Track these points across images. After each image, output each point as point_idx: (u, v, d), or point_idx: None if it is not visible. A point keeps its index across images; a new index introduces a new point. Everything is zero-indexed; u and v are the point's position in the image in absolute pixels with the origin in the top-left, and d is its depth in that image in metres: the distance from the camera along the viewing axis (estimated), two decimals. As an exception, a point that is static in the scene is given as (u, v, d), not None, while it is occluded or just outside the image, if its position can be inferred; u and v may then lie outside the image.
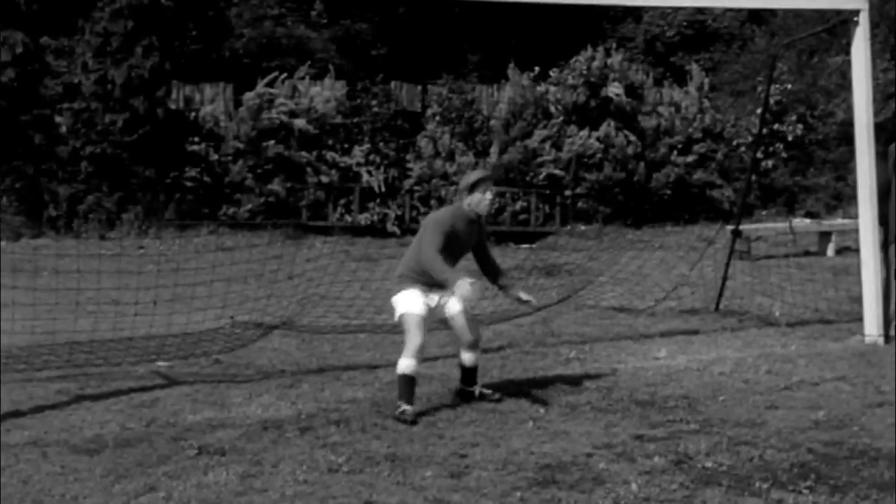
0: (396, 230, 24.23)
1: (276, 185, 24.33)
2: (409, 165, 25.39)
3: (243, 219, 23.62)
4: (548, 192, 25.35)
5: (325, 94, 25.93)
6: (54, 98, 25.05)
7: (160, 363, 10.84)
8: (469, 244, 9.21)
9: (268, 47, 32.20)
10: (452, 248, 8.95)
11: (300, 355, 11.41)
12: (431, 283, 8.88)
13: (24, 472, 7.23)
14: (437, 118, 25.92)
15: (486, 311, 13.50)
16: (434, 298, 9.01)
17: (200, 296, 12.83)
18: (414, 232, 23.53)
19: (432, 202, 24.70)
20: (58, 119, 24.58)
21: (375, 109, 26.00)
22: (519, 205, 25.17)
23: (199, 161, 24.64)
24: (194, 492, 6.80)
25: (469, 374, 9.32)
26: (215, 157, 24.85)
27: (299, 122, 25.02)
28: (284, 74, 26.31)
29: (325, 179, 24.79)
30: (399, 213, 24.70)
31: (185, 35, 28.99)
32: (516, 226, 24.95)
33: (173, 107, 25.58)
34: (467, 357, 9.22)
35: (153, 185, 23.86)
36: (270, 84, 25.81)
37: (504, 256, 19.77)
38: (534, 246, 23.21)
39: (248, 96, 25.47)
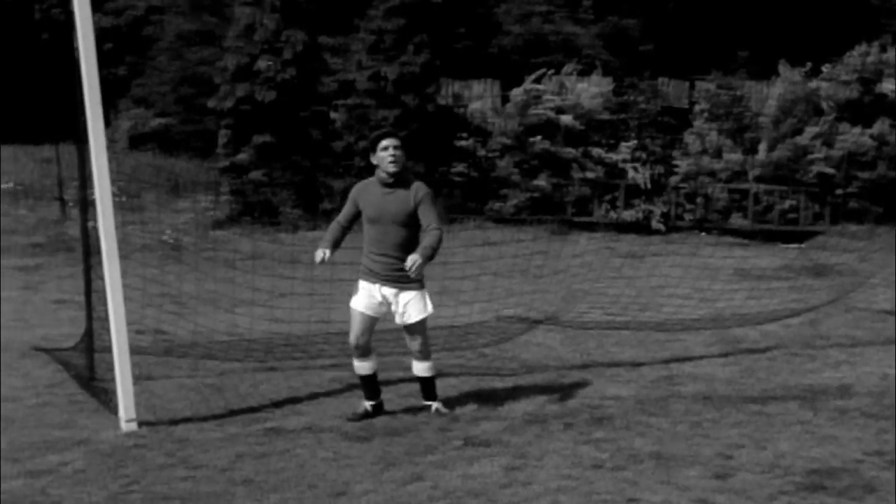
0: (662, 227, 24.00)
1: (541, 181, 24.46)
2: (676, 162, 25.11)
3: (509, 214, 23.86)
4: (818, 190, 24.64)
5: (591, 90, 25.90)
6: (330, 94, 25.84)
7: (428, 354, 11.08)
8: (393, 211, 8.39)
9: (535, 44, 32.36)
10: (373, 218, 8.45)
11: (564, 351, 11.49)
12: (383, 275, 8.44)
13: (300, 457, 7.55)
14: (705, 114, 25.54)
15: (752, 310, 13.30)
16: (382, 293, 8.48)
17: (467, 289, 13.07)
18: (679, 229, 23.54)
19: (698, 199, 24.39)
20: (333, 115, 25.36)
21: (642, 106, 25.82)
22: (788, 203, 24.55)
23: (466, 156, 25.00)
24: (460, 482, 6.96)
25: (424, 385, 8.90)
26: (482, 152, 25.16)
27: (566, 118, 25.07)
28: (551, 71, 26.40)
29: (590, 175, 24.78)
30: (664, 209, 24.46)
31: (454, 32, 29.44)
32: (785, 224, 24.36)
33: (442, 103, 25.99)
34: (418, 367, 8.80)
35: (422, 179, 24.27)
36: (538, 80, 25.94)
37: (773, 256, 19.42)
38: (803, 245, 22.64)
39: (516, 92, 25.68)
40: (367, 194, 8.55)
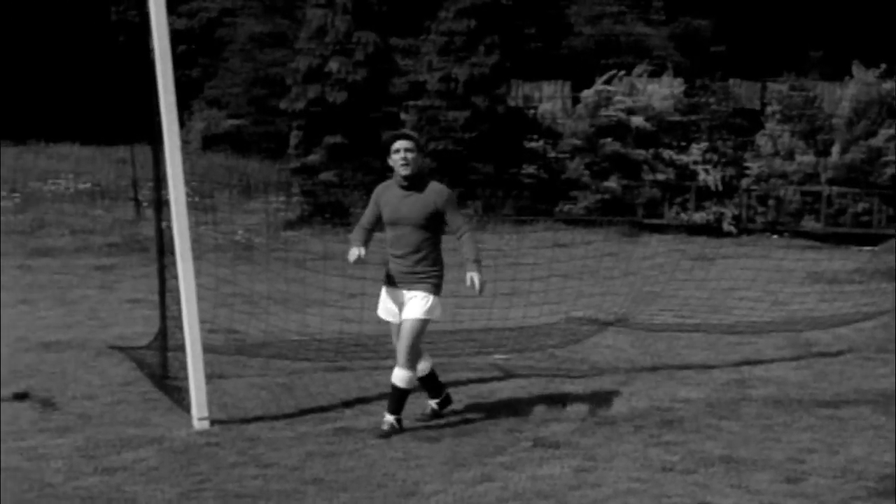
0: (733, 230, 23.83)
1: (612, 183, 24.39)
2: (747, 164, 24.92)
3: (579, 215, 23.81)
4: (892, 193, 24.33)
5: (662, 91, 25.79)
6: (401, 96, 25.92)
7: (497, 356, 11.10)
8: (411, 214, 8.19)
9: (606, 45, 32.26)
10: (390, 221, 8.31)
11: (634, 353, 11.45)
12: (400, 277, 8.29)
13: (370, 457, 7.60)
14: (777, 116, 25.32)
15: (824, 314, 13.18)
16: (402, 295, 8.33)
17: (537, 291, 13.04)
18: (751, 232, 23.37)
19: (770, 201, 24.18)
20: (403, 116, 25.42)
21: (714, 107, 25.66)
22: (861, 206, 24.26)
23: (536, 158, 24.98)
24: (529, 483, 6.98)
25: (393, 394, 8.34)
26: (553, 153, 25.13)
27: (636, 120, 24.98)
28: (622, 72, 26.33)
29: (661, 177, 24.66)
30: (736, 212, 24.28)
31: (525, 33, 29.45)
32: (858, 227, 24.07)
33: (513, 104, 26.01)
34: (395, 373, 8.27)
35: (492, 181, 24.36)
36: (608, 81, 25.87)
37: (845, 259, 19.21)
38: (876, 249, 22.36)
39: (586, 94, 25.63)
40: (386, 196, 8.39)
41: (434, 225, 8.28)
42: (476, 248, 8.31)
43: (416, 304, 8.21)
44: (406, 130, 8.46)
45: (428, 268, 8.26)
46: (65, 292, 14.86)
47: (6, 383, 9.61)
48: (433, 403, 8.75)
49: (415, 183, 8.27)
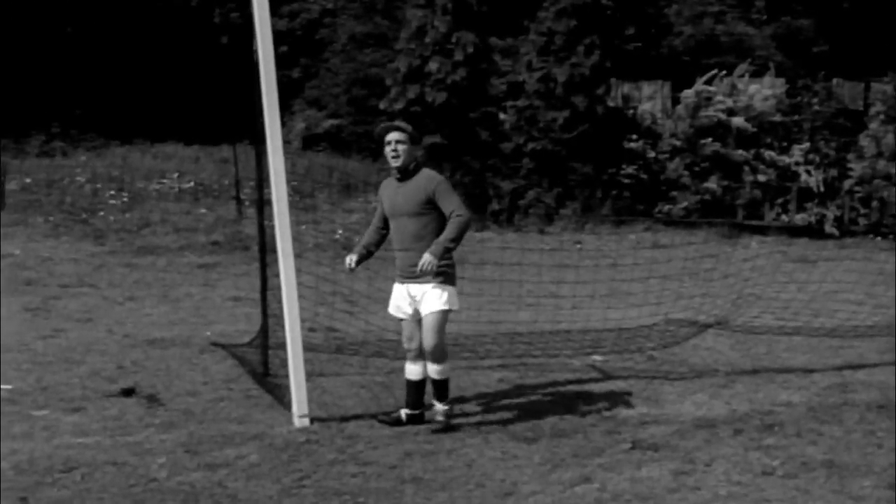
0: (835, 231, 23.53)
1: (712, 183, 24.22)
2: (850, 165, 24.60)
3: (678, 216, 23.65)
4: None
5: (764, 91, 25.57)
6: (500, 96, 25.97)
7: (595, 357, 11.07)
8: (404, 203, 8.15)
9: (707, 45, 32.05)
10: (389, 213, 8.32)
11: (734, 355, 11.35)
12: (406, 271, 8.16)
13: (468, 456, 7.62)
14: (881, 117, 24.95)
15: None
16: (408, 291, 8.24)
17: (636, 292, 13.00)
18: (853, 234, 23.04)
19: (873, 203, 23.82)
20: (502, 116, 25.48)
21: (816, 108, 25.38)
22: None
23: (635, 158, 24.89)
24: (628, 485, 6.95)
25: (435, 386, 8.37)
26: (652, 154, 25.03)
27: (737, 120, 24.79)
28: (723, 72, 26.14)
29: (761, 178, 24.44)
30: (838, 213, 23.98)
31: (625, 33, 29.33)
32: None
33: (612, 104, 25.93)
34: (429, 367, 8.30)
35: (591, 181, 24.31)
36: (709, 82, 25.71)
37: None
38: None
39: (687, 94, 25.49)
40: (385, 190, 8.40)
41: (430, 213, 8.15)
42: (457, 233, 8.05)
43: (433, 298, 8.16)
44: (398, 122, 8.40)
45: None
46: (169, 290, 15.11)
47: (114, 379, 9.81)
48: (404, 413, 8.51)
49: (408, 174, 8.24)
